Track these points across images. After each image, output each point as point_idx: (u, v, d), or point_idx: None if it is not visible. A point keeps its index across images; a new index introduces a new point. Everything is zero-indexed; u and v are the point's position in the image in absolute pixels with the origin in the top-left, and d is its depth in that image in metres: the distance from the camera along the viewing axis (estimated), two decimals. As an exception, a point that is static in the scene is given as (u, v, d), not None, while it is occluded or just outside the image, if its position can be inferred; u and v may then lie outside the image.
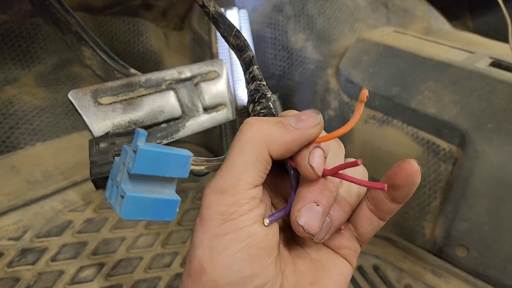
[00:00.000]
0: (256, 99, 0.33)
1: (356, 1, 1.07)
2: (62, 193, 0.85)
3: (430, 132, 0.79)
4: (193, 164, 0.28)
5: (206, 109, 0.48)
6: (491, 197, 0.71)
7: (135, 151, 0.24)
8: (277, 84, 1.04)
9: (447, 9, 1.36)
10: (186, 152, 0.28)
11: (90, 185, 0.88)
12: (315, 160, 0.28)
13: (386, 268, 0.77)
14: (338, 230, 0.33)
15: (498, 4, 1.24)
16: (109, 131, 0.33)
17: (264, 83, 0.34)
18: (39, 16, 0.58)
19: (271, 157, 0.28)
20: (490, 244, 0.71)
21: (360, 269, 0.77)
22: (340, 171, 0.28)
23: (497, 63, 0.81)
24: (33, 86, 0.91)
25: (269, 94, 0.33)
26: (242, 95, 0.98)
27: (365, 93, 0.27)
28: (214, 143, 1.07)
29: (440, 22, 1.23)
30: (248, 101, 0.34)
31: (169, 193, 0.27)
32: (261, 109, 0.32)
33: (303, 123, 0.28)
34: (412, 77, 0.82)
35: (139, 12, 1.02)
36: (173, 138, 0.44)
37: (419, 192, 0.80)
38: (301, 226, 0.28)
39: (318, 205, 0.28)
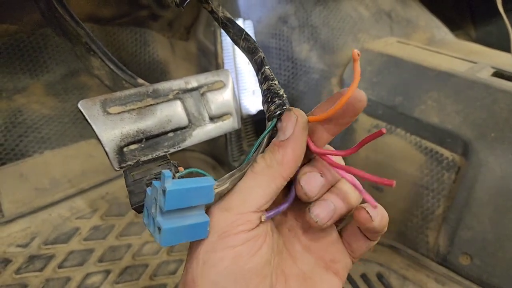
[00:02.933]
0: (269, 99, 0.33)
1: (360, 12, 1.09)
2: (69, 201, 0.86)
3: (433, 141, 0.80)
4: (217, 188, 0.30)
5: (212, 119, 0.48)
6: (494, 205, 0.71)
7: (164, 192, 0.27)
8: (281, 94, 1.05)
9: (450, 19, 1.37)
10: (209, 181, 0.30)
11: (97, 192, 0.89)
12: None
13: (389, 276, 0.77)
14: (333, 243, 0.34)
15: (500, 14, 1.25)
16: (139, 159, 0.35)
17: (276, 82, 0.34)
18: (49, 27, 0.59)
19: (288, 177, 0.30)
20: (494, 252, 0.71)
21: (364, 277, 0.77)
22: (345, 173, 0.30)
23: (499, 73, 0.82)
24: (42, 95, 0.93)
25: (281, 91, 0.33)
26: (247, 105, 0.99)
27: (356, 52, 0.28)
28: (220, 152, 1.08)
29: (442, 32, 1.24)
30: (262, 102, 0.34)
31: (199, 215, 0.29)
32: (275, 108, 0.32)
33: (287, 130, 0.30)
34: (415, 86, 0.83)
35: (146, 23, 1.04)
36: (179, 147, 0.45)
37: (422, 200, 0.80)
38: (301, 185, 0.30)
39: (321, 176, 0.30)
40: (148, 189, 0.29)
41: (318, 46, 1.02)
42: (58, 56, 0.94)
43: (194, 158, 1.09)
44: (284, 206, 0.32)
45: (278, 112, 0.32)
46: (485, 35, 1.39)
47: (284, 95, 0.33)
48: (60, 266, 0.75)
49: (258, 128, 1.04)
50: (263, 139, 0.32)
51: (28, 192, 0.84)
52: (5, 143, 0.84)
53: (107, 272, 0.75)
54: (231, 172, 0.31)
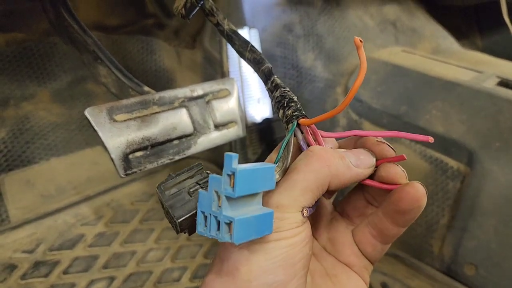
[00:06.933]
0: (285, 104, 0.34)
1: (365, 21, 1.09)
2: (74, 207, 0.86)
3: (438, 150, 0.80)
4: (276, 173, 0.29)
5: (217, 126, 0.49)
6: (499, 215, 0.71)
7: (231, 175, 0.25)
8: (286, 102, 1.06)
9: (456, 28, 1.37)
10: (270, 164, 0.29)
11: (102, 199, 0.90)
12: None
13: (394, 286, 0.77)
14: (348, 245, 0.34)
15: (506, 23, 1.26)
16: (170, 173, 0.34)
17: (288, 89, 0.35)
18: (58, 36, 0.60)
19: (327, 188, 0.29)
20: (499, 262, 0.71)
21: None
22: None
23: (504, 83, 0.82)
24: (49, 102, 0.94)
25: (295, 98, 0.34)
26: (253, 113, 1.00)
27: (357, 39, 0.27)
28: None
29: (448, 41, 1.24)
30: (276, 108, 0.35)
31: (259, 208, 0.28)
32: (293, 113, 0.33)
33: (362, 163, 0.30)
34: (420, 96, 0.83)
35: (152, 31, 1.05)
36: (185, 154, 0.46)
37: (427, 209, 0.80)
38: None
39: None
40: (201, 192, 0.27)
41: (323, 55, 1.02)
42: (66, 64, 0.96)
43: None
44: (318, 201, 0.31)
45: (297, 115, 0.33)
46: (492, 45, 1.39)
47: (298, 102, 0.34)
48: (65, 272, 0.75)
49: (263, 136, 1.04)
50: (289, 140, 0.32)
51: (34, 198, 0.84)
52: (12, 150, 0.85)
53: (112, 278, 0.76)
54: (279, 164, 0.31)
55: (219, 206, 0.26)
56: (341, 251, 0.34)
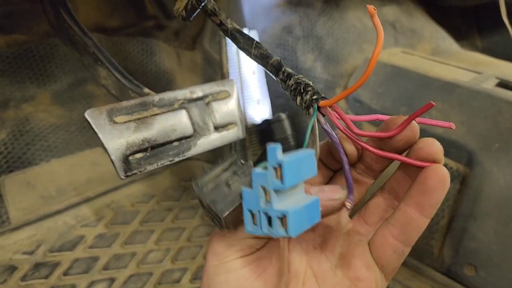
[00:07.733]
0: (301, 90, 0.34)
1: (364, 22, 1.09)
2: (75, 209, 0.86)
3: (438, 151, 0.79)
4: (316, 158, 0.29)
5: (217, 128, 0.49)
6: (499, 216, 0.71)
7: (277, 167, 0.25)
8: (285, 104, 1.06)
9: (456, 29, 1.37)
10: (309, 151, 0.28)
11: (102, 201, 0.90)
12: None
13: (394, 287, 0.77)
14: (360, 257, 0.32)
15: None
16: (204, 167, 0.34)
17: (301, 75, 0.35)
18: (58, 37, 0.60)
19: None
20: (499, 263, 0.71)
21: None
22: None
23: (504, 84, 0.82)
24: (49, 104, 0.94)
25: (310, 82, 0.34)
26: (252, 114, 1.00)
27: (371, 7, 0.26)
28: (224, 161, 1.08)
29: (448, 42, 1.24)
30: (293, 95, 0.35)
31: (305, 196, 0.27)
32: (311, 97, 0.33)
33: (323, 194, 0.28)
34: (420, 97, 0.83)
35: (152, 33, 1.05)
36: (184, 156, 0.46)
37: (427, 210, 0.80)
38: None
39: None
40: (245, 190, 0.26)
41: (323, 56, 1.02)
42: (66, 65, 0.96)
43: (198, 167, 1.10)
44: (351, 191, 0.30)
45: (316, 98, 0.33)
46: (491, 46, 1.39)
47: (314, 86, 0.34)
48: (65, 274, 0.75)
49: (263, 138, 1.04)
50: (313, 125, 0.31)
51: (35, 200, 0.84)
52: (12, 151, 0.85)
53: (112, 280, 0.76)
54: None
55: (268, 201, 0.25)
56: (351, 265, 0.32)
